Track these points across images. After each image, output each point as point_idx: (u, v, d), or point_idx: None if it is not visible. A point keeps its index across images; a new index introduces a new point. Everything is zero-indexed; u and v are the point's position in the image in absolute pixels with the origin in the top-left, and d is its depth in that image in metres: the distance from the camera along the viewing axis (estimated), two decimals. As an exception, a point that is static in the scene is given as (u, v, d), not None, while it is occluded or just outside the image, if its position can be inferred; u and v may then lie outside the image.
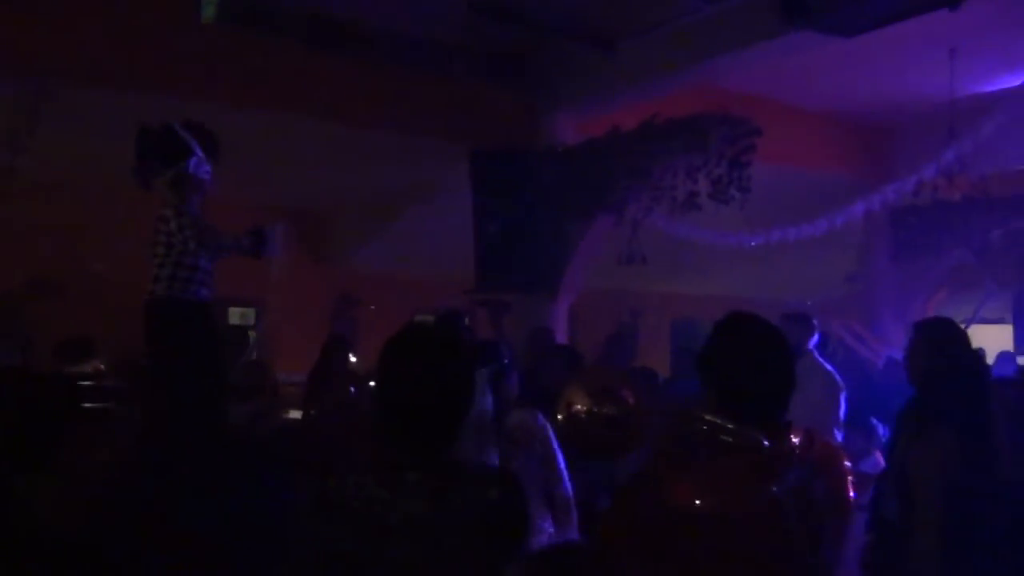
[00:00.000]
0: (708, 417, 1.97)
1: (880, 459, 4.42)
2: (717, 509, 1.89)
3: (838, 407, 4.67)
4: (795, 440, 2.00)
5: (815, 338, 4.85)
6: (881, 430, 4.96)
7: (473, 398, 1.95)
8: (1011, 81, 6.88)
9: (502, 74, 7.85)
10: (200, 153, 4.42)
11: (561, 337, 7.43)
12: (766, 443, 1.94)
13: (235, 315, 10.85)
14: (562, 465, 2.75)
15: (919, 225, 9.42)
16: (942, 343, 3.07)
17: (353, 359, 7.20)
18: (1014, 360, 8.49)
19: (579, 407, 2.51)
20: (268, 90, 6.72)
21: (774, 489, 1.92)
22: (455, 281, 7.84)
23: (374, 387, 1.92)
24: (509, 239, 7.40)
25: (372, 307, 9.65)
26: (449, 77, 7.51)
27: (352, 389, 5.44)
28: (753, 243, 7.60)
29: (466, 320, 5.92)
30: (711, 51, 6.64)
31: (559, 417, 2.58)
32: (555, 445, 2.91)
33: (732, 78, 7.64)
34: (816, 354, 4.85)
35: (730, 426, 1.95)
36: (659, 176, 6.76)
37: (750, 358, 1.99)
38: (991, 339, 9.10)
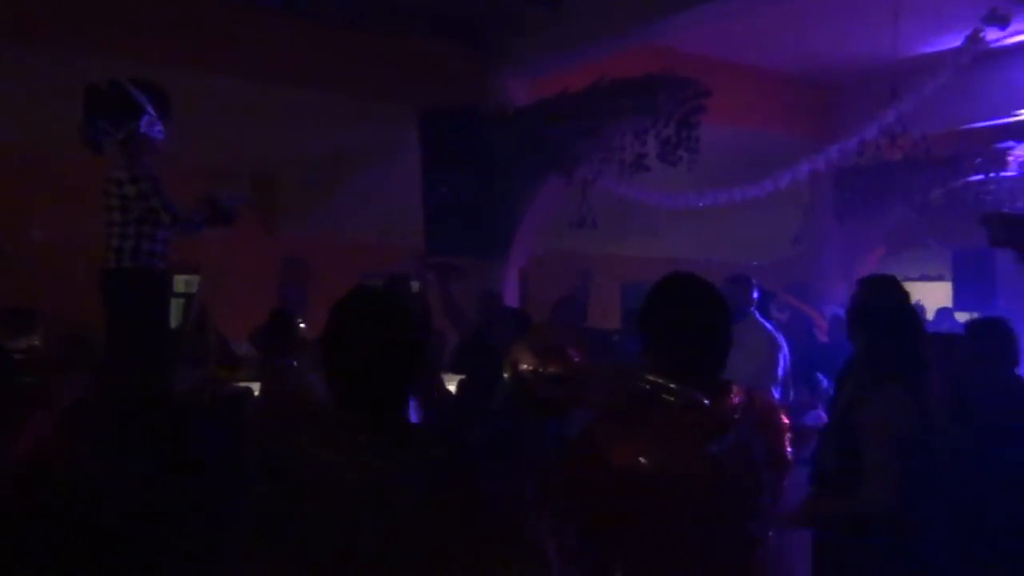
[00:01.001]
0: (649, 376, 2.00)
1: (823, 414, 4.53)
2: (659, 468, 1.92)
3: (776, 365, 4.76)
4: (735, 399, 2.04)
5: (756, 298, 4.93)
6: (825, 384, 5.07)
7: (422, 360, 1.94)
8: (952, 42, 6.98)
9: (452, 34, 7.74)
10: (152, 112, 4.28)
11: (512, 301, 7.44)
12: (706, 402, 1.98)
13: (180, 283, 10.61)
14: None
15: (862, 185, 9.60)
16: (885, 299, 3.14)
17: (303, 325, 7.11)
18: (952, 316, 8.74)
19: (524, 366, 2.53)
20: (209, 50, 6.55)
21: (715, 447, 1.96)
22: (406, 245, 7.79)
23: (322, 351, 1.90)
24: (459, 202, 7.35)
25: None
26: (397, 37, 7.39)
27: (300, 355, 5.38)
28: (701, 204, 7.65)
29: (416, 285, 5.88)
30: (658, 10, 6.62)
31: (504, 377, 2.59)
32: None
33: (680, 38, 7.64)
34: (757, 314, 4.93)
35: (671, 385, 1.98)
36: (608, 137, 6.75)
37: (687, 318, 2.04)
38: (931, 296, 9.35)
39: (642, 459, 1.92)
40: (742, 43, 8.47)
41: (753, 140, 9.08)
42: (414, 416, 1.93)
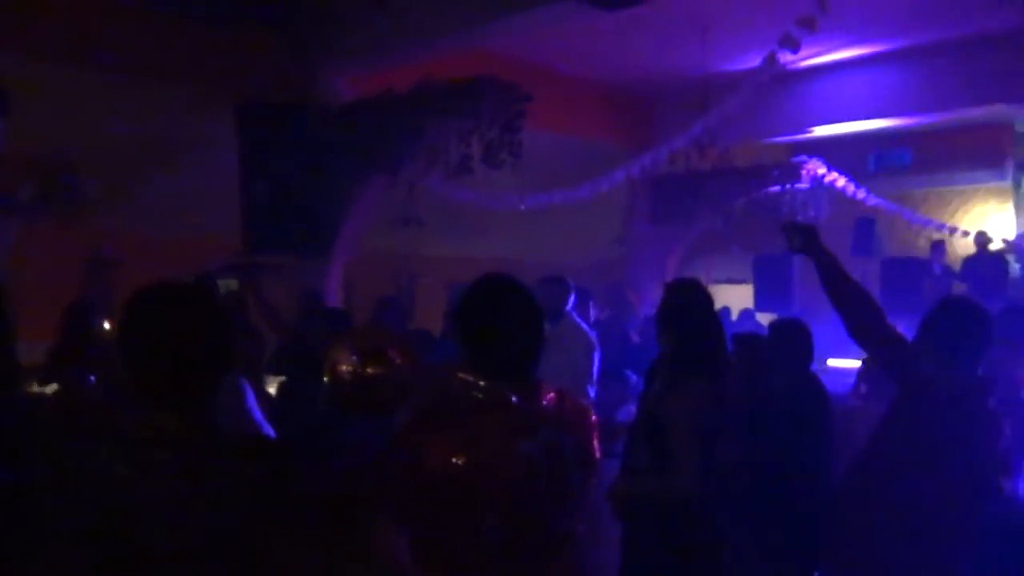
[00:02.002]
0: (461, 375, 2.01)
1: (633, 409, 4.73)
2: (468, 466, 1.93)
3: (592, 365, 4.92)
4: (546, 398, 2.09)
5: (572, 299, 5.06)
6: (633, 381, 5.29)
7: (228, 358, 1.84)
8: (755, 61, 7.50)
9: (271, 25, 7.49)
10: None
11: (335, 300, 7.30)
12: (516, 400, 2.02)
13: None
14: None
15: (674, 192, 10.14)
16: (689, 301, 3.31)
17: (107, 326, 6.65)
18: (754, 316, 9.38)
19: (344, 367, 2.48)
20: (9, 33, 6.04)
21: (525, 445, 1.99)
22: (221, 243, 7.45)
23: (119, 349, 1.78)
24: (279, 199, 7.11)
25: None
26: (214, 25, 7.07)
27: (101, 358, 5.03)
28: (523, 207, 7.82)
29: (232, 283, 5.64)
30: (480, 14, 6.71)
31: (324, 379, 2.54)
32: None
33: (504, 44, 7.78)
34: (574, 315, 5.06)
35: (482, 383, 2.00)
36: (433, 138, 6.77)
37: (499, 317, 2.07)
38: (735, 298, 10.00)
39: (453, 458, 1.93)
40: (565, 53, 8.73)
41: (574, 146, 9.39)
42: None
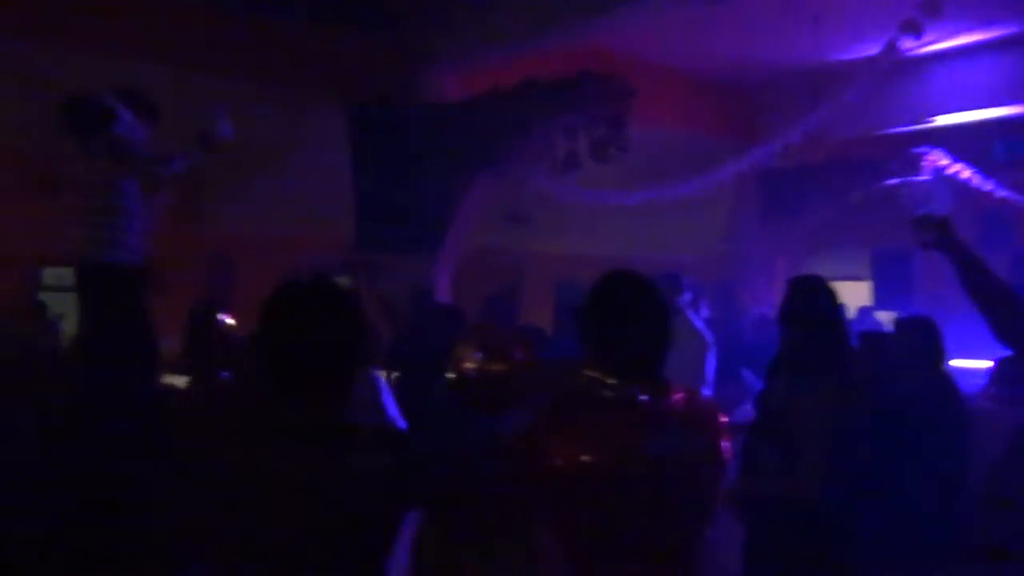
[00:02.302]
0: (589, 373, 1.99)
1: (750, 409, 4.61)
2: (598, 465, 1.91)
3: (706, 364, 4.83)
4: (674, 397, 2.06)
5: (686, 296, 4.98)
6: (749, 380, 5.16)
7: (361, 354, 1.89)
8: (871, 49, 7.21)
9: (378, 25, 7.64)
10: (128, 118, 4.37)
11: (443, 297, 7.39)
12: (644, 398, 1.99)
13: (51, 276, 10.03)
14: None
15: (785, 186, 9.85)
16: (814, 298, 3.21)
17: (231, 322, 6.92)
18: (872, 315, 9.03)
19: (469, 364, 2.51)
20: (128, 38, 6.35)
21: (653, 445, 1.97)
22: (334, 243, 7.65)
23: (259, 350, 1.83)
24: (389, 197, 7.26)
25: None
26: (323, 28, 7.26)
27: (230, 352, 5.24)
28: (631, 202, 7.74)
29: (345, 280, 5.79)
30: (585, 9, 6.67)
31: (450, 376, 2.57)
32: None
33: (608, 39, 7.71)
34: (688, 312, 4.99)
35: (609, 381, 1.98)
36: (540, 134, 6.77)
37: (627, 314, 2.05)
38: (851, 295, 9.64)
39: (581, 456, 1.92)
40: (671, 47, 8.60)
41: (681, 140, 9.23)
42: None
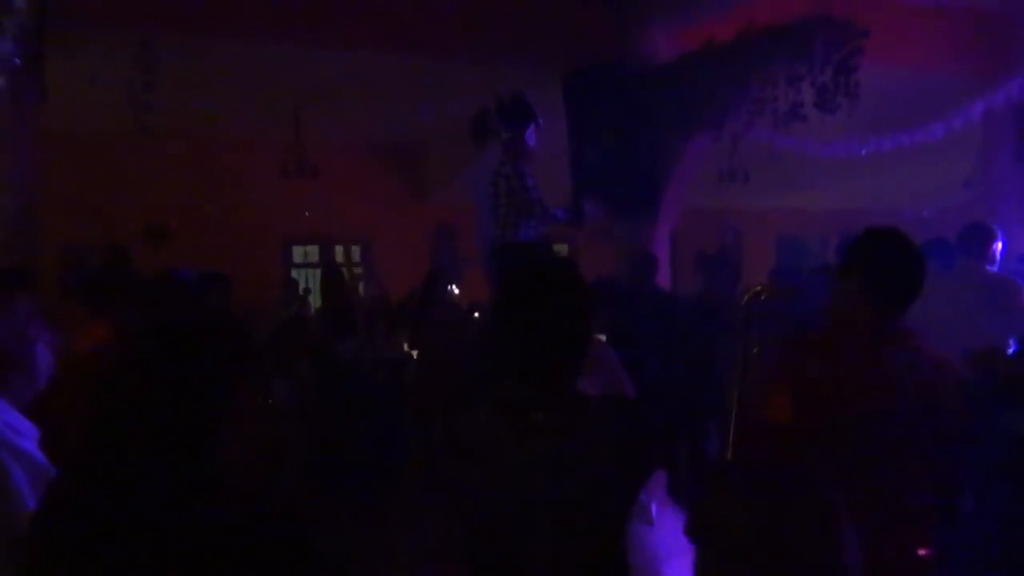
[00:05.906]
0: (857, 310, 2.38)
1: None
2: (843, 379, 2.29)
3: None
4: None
5: (1002, 245, 4.79)
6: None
7: (591, 333, 1.93)
8: None
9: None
10: (539, 124, 4.85)
11: (662, 259, 7.32)
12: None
13: (339, 253, 11.14)
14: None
15: (1045, 122, 8.78)
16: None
17: (456, 291, 7.28)
18: None
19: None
20: (354, 28, 6.72)
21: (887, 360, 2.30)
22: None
23: (495, 328, 1.91)
24: (606, 161, 7.26)
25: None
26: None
27: (455, 321, 5.52)
28: (863, 152, 7.23)
29: (564, 248, 5.89)
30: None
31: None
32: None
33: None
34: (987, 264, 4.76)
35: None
36: (759, 87, 6.47)
37: (894, 261, 2.37)
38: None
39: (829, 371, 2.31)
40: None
41: (917, 80, 8.48)
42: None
